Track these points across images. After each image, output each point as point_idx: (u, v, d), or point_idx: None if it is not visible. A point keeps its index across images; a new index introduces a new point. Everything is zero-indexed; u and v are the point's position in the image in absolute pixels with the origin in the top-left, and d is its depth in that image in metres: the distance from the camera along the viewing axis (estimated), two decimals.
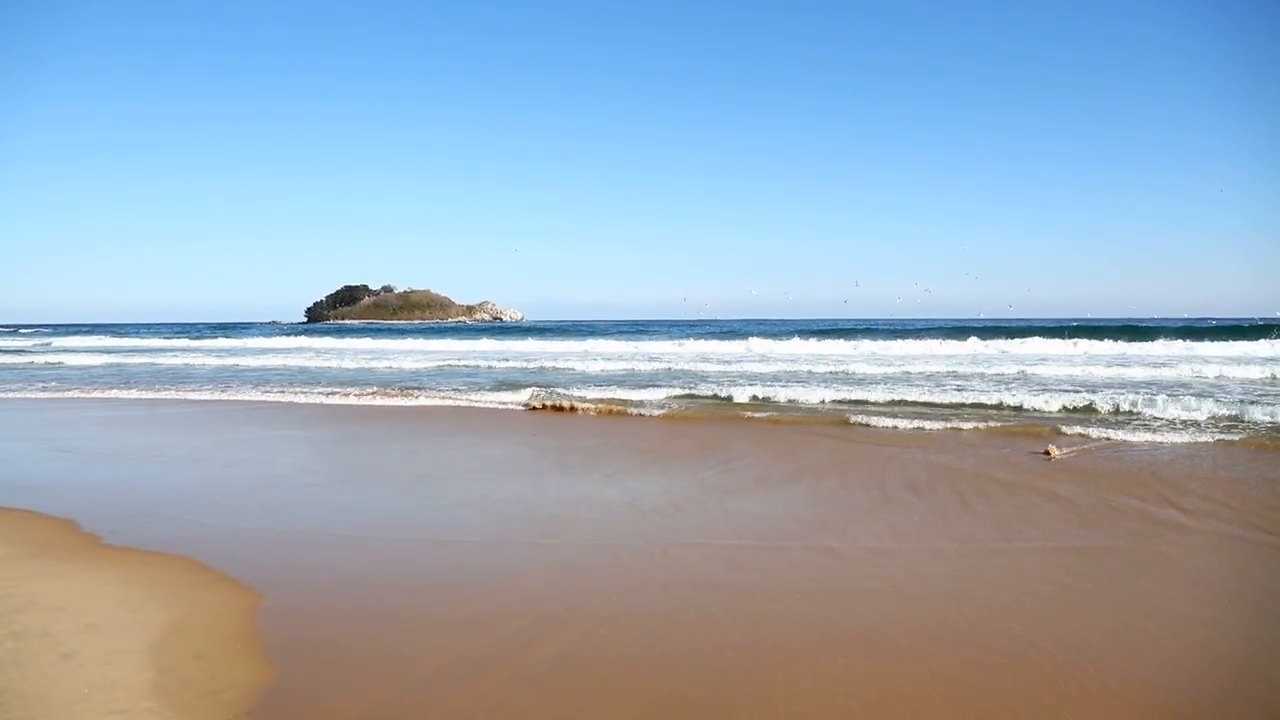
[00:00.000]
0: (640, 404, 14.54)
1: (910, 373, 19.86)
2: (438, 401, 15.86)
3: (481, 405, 15.30)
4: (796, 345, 33.56)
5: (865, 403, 14.07)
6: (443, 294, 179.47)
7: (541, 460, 9.54)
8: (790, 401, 14.48)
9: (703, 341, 37.98)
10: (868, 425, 12.05)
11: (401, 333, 63.97)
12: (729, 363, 24.43)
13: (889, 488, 7.93)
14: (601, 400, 15.03)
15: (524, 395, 15.84)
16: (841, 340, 35.09)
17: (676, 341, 38.91)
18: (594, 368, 23.17)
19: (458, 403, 15.65)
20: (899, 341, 32.53)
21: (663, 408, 13.99)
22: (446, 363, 26.34)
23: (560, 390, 16.60)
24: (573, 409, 14.34)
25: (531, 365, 24.73)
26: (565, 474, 8.70)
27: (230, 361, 28.60)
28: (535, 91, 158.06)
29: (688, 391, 16.24)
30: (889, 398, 14.43)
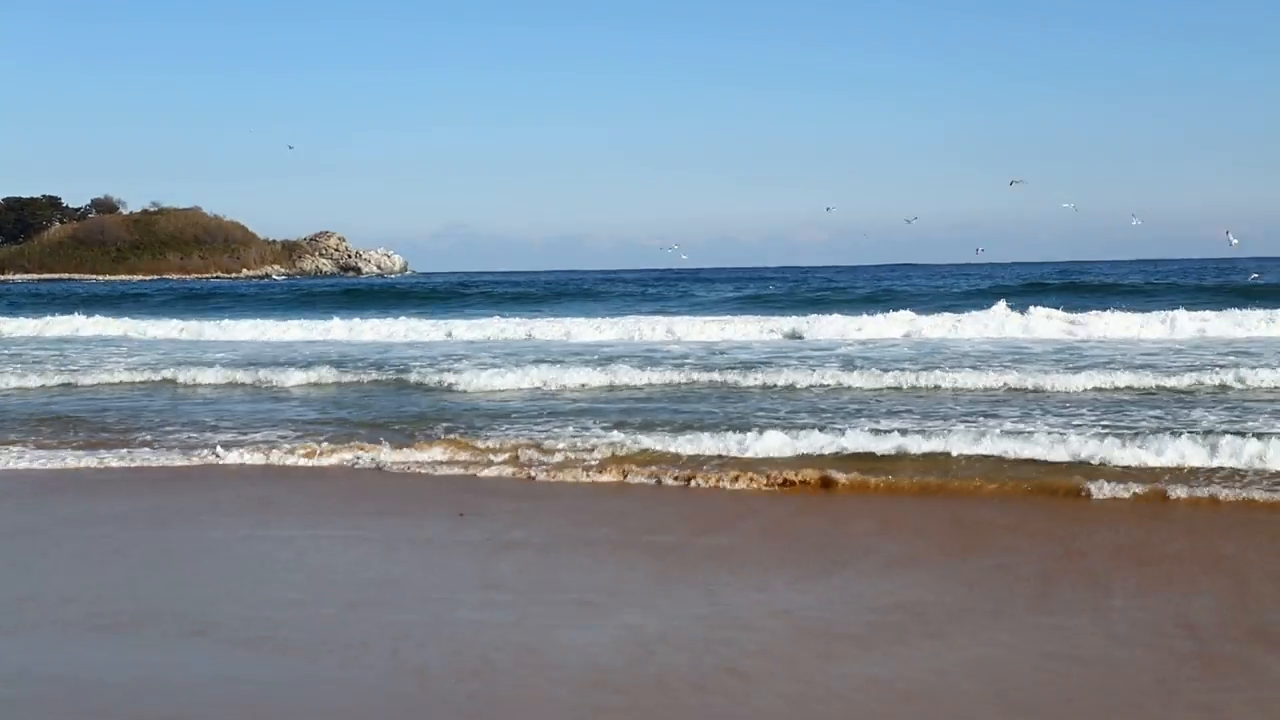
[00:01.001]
0: (649, 458, 14.82)
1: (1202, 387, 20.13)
2: (202, 458, 15.91)
3: (303, 465, 15.55)
4: (956, 325, 34.01)
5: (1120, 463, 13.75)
6: (232, 218, 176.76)
7: (450, 569, 10.04)
8: (941, 452, 14.53)
9: (733, 318, 40.24)
10: (1127, 495, 12.19)
11: (137, 299, 63.87)
12: (804, 362, 25.00)
13: (1206, 631, 7.88)
14: (560, 451, 15.36)
15: (398, 452, 15.96)
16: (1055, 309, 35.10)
17: (691, 318, 40.75)
18: (544, 378, 23.43)
19: (251, 459, 15.84)
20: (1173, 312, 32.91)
21: (686, 466, 14.24)
22: (229, 373, 26.11)
23: (469, 434, 16.90)
24: (497, 465, 14.76)
25: (409, 376, 25.17)
26: (499, 599, 8.97)
27: None
28: None
29: (737, 424, 16.50)
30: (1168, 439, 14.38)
